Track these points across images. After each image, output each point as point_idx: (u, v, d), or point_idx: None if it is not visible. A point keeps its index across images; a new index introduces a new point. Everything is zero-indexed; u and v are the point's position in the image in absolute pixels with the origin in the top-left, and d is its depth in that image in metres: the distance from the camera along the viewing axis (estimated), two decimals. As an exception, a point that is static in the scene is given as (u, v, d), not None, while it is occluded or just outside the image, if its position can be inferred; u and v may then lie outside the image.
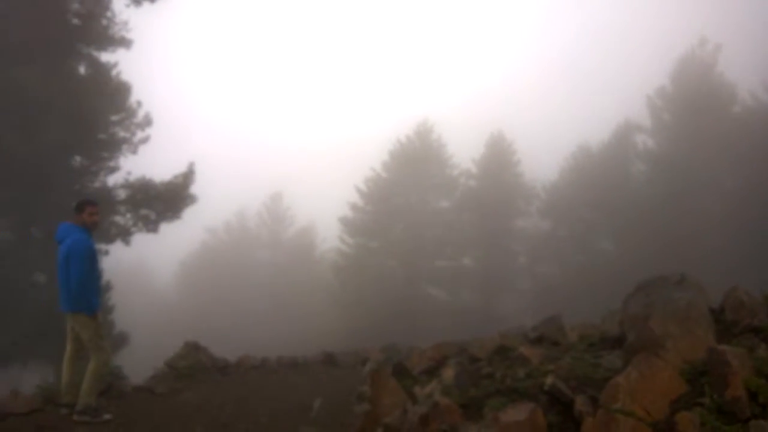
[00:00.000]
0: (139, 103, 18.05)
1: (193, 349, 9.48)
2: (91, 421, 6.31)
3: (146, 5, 17.63)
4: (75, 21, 17.20)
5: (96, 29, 17.32)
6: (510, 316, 33.25)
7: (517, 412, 3.39)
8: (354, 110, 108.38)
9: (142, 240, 18.48)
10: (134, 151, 18.16)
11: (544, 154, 41.57)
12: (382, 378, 4.42)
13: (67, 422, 6.38)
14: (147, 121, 18.20)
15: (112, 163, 18.09)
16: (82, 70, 17.71)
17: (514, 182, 38.36)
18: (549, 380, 4.04)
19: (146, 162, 18.63)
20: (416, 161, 36.58)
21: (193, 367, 9.03)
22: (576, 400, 3.77)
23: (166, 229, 18.35)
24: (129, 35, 17.77)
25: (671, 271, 5.28)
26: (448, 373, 4.31)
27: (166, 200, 17.60)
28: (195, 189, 18.11)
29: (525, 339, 5.89)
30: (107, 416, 6.48)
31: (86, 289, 6.24)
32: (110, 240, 17.16)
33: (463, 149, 38.25)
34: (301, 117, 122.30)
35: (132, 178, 17.75)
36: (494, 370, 4.70)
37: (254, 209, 48.03)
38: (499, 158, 38.30)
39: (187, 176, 17.85)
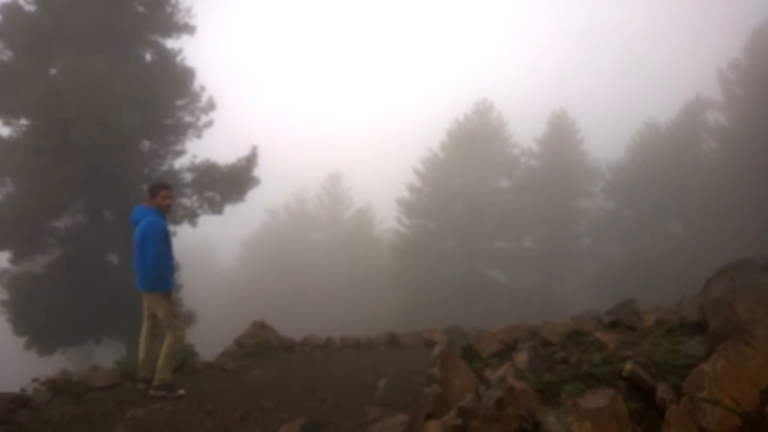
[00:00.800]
0: (202, 88, 18.44)
1: (260, 327, 9.70)
2: (166, 395, 6.55)
3: (208, -9, 17.94)
4: (141, 9, 17.67)
5: (161, 17, 17.76)
6: (571, 299, 32.67)
7: (597, 399, 3.29)
8: (412, 90, 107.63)
9: (206, 221, 19.02)
10: (199, 135, 18.61)
11: (609, 131, 40.35)
12: (452, 360, 4.38)
13: (144, 397, 6.64)
14: (210, 106, 18.58)
15: (178, 147, 18.64)
16: (148, 56, 18.22)
17: (577, 161, 37.35)
18: (628, 366, 3.90)
19: (210, 145, 19.08)
20: (475, 141, 36.04)
21: (260, 345, 9.24)
22: (657, 387, 3.63)
23: (229, 210, 18.83)
24: (192, 22, 18.18)
25: (752, 255, 5.01)
26: (522, 357, 4.23)
27: (230, 183, 18.01)
28: (257, 171, 18.51)
29: (598, 323, 5.70)
30: (182, 392, 6.70)
31: (161, 269, 6.42)
32: (177, 221, 17.72)
33: (524, 128, 37.44)
34: (359, 98, 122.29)
35: (197, 161, 18.27)
36: (569, 355, 4.57)
37: (313, 191, 48.61)
38: (561, 136, 37.31)
39: (250, 159, 18.19)
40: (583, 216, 37.75)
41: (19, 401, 6.66)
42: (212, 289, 42.90)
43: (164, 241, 6.49)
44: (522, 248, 37.11)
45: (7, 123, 16.98)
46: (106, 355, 20.01)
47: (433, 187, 37.48)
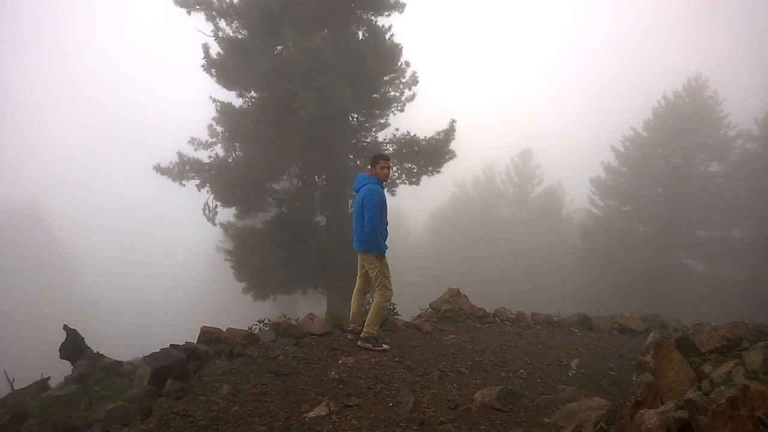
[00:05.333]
0: (407, 63, 18.98)
1: (455, 295, 10.20)
2: (372, 348, 7.27)
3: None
4: (358, -12, 18.63)
5: (375, -5, 18.62)
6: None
7: None
8: (614, 66, 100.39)
9: (401, 190, 19.94)
10: (402, 109, 19.32)
11: None
12: (667, 350, 4.30)
13: (352, 346, 7.43)
14: (413, 81, 19.13)
15: (382, 120, 19.57)
16: (360, 34, 19.16)
17: (806, 145, 32.50)
18: None
19: (409, 118, 19.79)
20: (684, 120, 33.01)
21: (454, 311, 9.73)
22: None
23: (423, 181, 19.51)
24: (402, -1, 18.83)
25: None
26: (754, 357, 4.03)
27: (427, 155, 18.58)
28: (453, 145, 18.91)
29: (840, 329, 5.19)
30: (385, 346, 7.38)
31: (377, 233, 6.96)
32: (379, 190, 18.71)
33: (742, 107, 33.36)
34: (553, 72, 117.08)
35: (398, 133, 19.10)
36: (808, 361, 4.25)
37: (502, 166, 48.19)
38: (789, 117, 32.69)
39: (448, 133, 18.56)
40: (809, 208, 32.82)
41: (251, 338, 7.80)
42: (400, 254, 44.70)
43: (381, 207, 6.99)
44: (729, 239, 33.45)
45: (239, 95, 19.08)
46: (307, 307, 22.08)
47: (632, 168, 35.30)
